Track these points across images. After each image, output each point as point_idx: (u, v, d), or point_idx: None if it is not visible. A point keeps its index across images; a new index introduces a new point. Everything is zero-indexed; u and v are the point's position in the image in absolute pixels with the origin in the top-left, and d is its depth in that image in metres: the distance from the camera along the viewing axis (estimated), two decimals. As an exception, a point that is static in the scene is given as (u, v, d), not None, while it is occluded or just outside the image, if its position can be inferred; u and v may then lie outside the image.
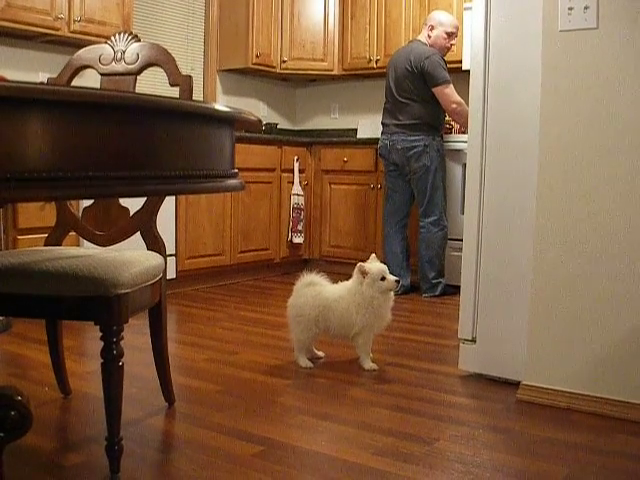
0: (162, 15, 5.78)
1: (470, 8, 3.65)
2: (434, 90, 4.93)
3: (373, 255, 3.31)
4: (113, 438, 2.04)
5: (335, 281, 3.36)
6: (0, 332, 3.66)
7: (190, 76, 2.43)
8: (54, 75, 2.63)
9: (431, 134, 5.00)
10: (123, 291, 2.04)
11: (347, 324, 3.20)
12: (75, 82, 2.59)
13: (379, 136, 5.25)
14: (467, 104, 3.15)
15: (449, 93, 4.93)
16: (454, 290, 4.94)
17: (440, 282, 5.09)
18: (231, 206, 5.42)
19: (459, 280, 3.19)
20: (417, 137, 4.98)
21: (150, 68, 2.51)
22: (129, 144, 1.30)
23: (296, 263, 6.20)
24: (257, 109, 6.67)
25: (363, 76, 6.49)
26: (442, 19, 5.04)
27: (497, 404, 2.77)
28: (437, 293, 5.06)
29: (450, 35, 5.03)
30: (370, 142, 5.76)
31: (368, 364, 3.20)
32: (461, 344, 3.15)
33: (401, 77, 5.03)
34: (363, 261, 3.26)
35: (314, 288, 3.27)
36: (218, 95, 6.30)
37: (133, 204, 2.42)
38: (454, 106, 4.94)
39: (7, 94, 1.10)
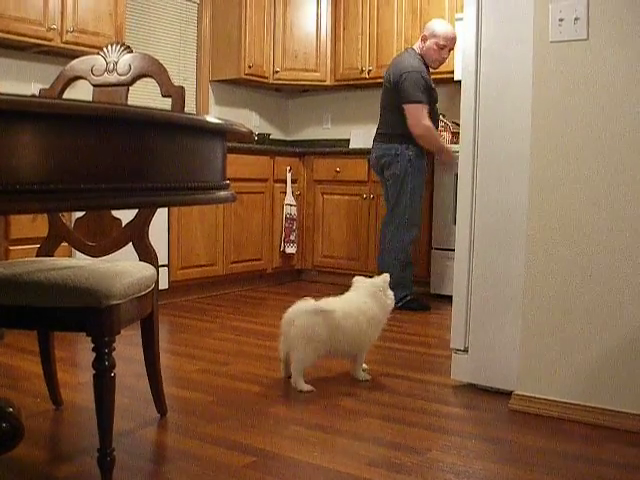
0: (154, 26, 5.79)
1: (461, 19, 3.68)
2: (404, 107, 4.84)
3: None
4: (105, 449, 2.04)
5: (323, 294, 3.35)
6: (-8, 343, 3.65)
7: (182, 87, 2.43)
8: (46, 86, 2.64)
9: (404, 143, 4.89)
10: (115, 302, 2.04)
11: (357, 341, 3.15)
12: (67, 93, 2.59)
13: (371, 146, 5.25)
14: (459, 114, 3.15)
15: (416, 115, 4.81)
16: (418, 306, 4.93)
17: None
18: (223, 216, 5.42)
19: (451, 290, 3.20)
20: (389, 145, 4.95)
21: (143, 79, 2.51)
22: (121, 156, 1.30)
23: (289, 273, 6.20)
24: (249, 119, 6.68)
25: (355, 86, 6.51)
26: (436, 30, 4.93)
27: (489, 414, 2.77)
28: None
29: (442, 47, 4.92)
30: (362, 152, 5.77)
31: (362, 375, 3.20)
32: (453, 354, 3.15)
33: (384, 86, 5.06)
34: (356, 271, 3.28)
35: (319, 307, 3.13)
36: (211, 106, 6.31)
37: (125, 215, 2.41)
38: (418, 130, 4.83)
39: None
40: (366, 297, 3.20)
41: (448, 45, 4.95)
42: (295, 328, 3.06)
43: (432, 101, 4.95)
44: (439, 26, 4.97)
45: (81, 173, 1.23)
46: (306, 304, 3.11)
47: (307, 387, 3.04)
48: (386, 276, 3.30)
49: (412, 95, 4.81)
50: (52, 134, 1.19)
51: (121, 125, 1.30)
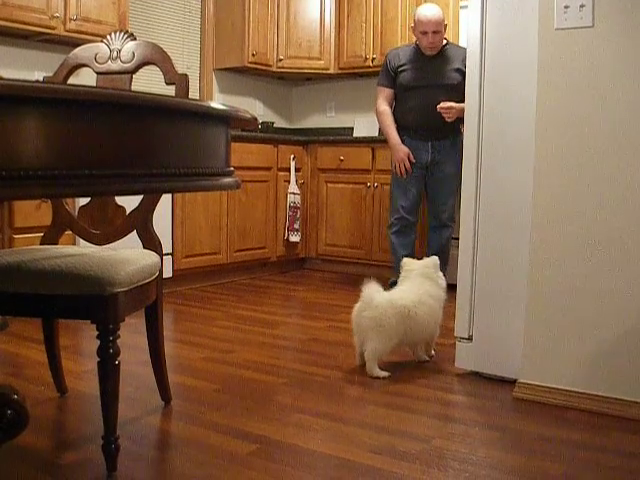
0: (158, 14, 5.77)
1: (466, 6, 3.66)
2: None
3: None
4: (110, 437, 2.05)
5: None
6: (-4, 331, 3.66)
7: (186, 75, 2.43)
8: (50, 74, 2.63)
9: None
10: (119, 290, 2.04)
11: (432, 326, 3.24)
12: (71, 81, 2.58)
13: (376, 135, 5.22)
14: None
15: (376, 96, 4.98)
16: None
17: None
18: (227, 205, 5.42)
19: (455, 278, 3.19)
20: None
21: (147, 67, 2.51)
22: (124, 142, 1.30)
23: (293, 262, 6.20)
24: (253, 108, 6.67)
25: (359, 74, 6.49)
26: (416, 18, 4.80)
27: (493, 402, 2.77)
28: None
29: (424, 33, 4.74)
30: (366, 141, 5.76)
31: (424, 357, 3.32)
32: (457, 342, 3.15)
33: None
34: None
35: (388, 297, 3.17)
36: (214, 94, 6.30)
37: (129, 203, 2.42)
38: (376, 112, 5.01)
39: (3, 92, 1.10)
40: (424, 280, 3.27)
41: (428, 29, 4.72)
42: (365, 319, 3.08)
43: (402, 85, 4.86)
44: (418, 13, 4.83)
45: (84, 159, 1.23)
46: (376, 295, 3.11)
47: (383, 373, 3.08)
48: (435, 258, 3.38)
49: (378, 78, 5.03)
50: (56, 120, 1.18)
51: (125, 111, 1.30)
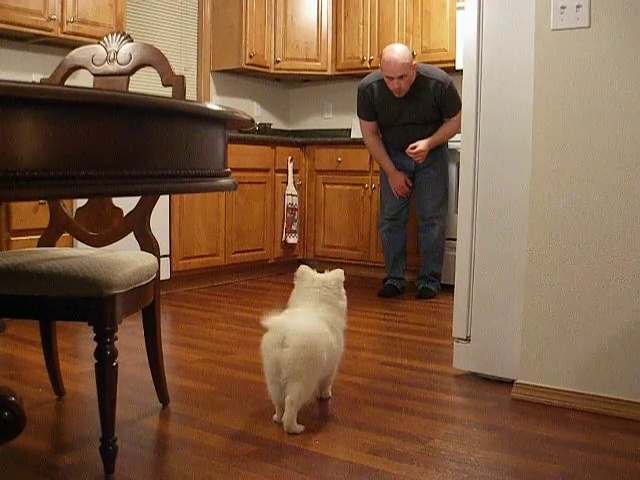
0: (155, 15, 5.77)
1: (463, 8, 3.66)
2: None
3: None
4: (107, 439, 2.04)
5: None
6: (-6, 334, 3.65)
7: (183, 76, 2.43)
8: (47, 76, 2.63)
9: None
10: (116, 292, 2.04)
11: (336, 358, 2.64)
12: (68, 83, 2.58)
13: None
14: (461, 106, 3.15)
15: (360, 127, 5.16)
16: (382, 292, 5.05)
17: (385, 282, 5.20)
18: (225, 206, 5.42)
19: (453, 279, 3.19)
20: None
21: (144, 68, 2.51)
22: (121, 143, 1.30)
23: (290, 263, 6.19)
24: (251, 109, 6.67)
25: (357, 76, 6.46)
26: (382, 59, 4.74)
27: (491, 402, 2.77)
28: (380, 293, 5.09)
29: (390, 78, 4.68)
30: (364, 142, 5.75)
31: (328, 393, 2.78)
32: (455, 343, 3.15)
33: None
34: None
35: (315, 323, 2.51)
36: (212, 95, 6.30)
37: (127, 204, 2.41)
38: (365, 143, 5.21)
39: (0, 93, 1.10)
40: (324, 306, 2.61)
41: (394, 75, 4.65)
42: (292, 351, 2.34)
43: (383, 120, 5.01)
44: (383, 55, 4.74)
45: (81, 160, 1.23)
46: (296, 321, 2.45)
47: (300, 427, 2.42)
48: (339, 274, 2.73)
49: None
50: (53, 121, 1.18)
51: (122, 112, 1.30)
